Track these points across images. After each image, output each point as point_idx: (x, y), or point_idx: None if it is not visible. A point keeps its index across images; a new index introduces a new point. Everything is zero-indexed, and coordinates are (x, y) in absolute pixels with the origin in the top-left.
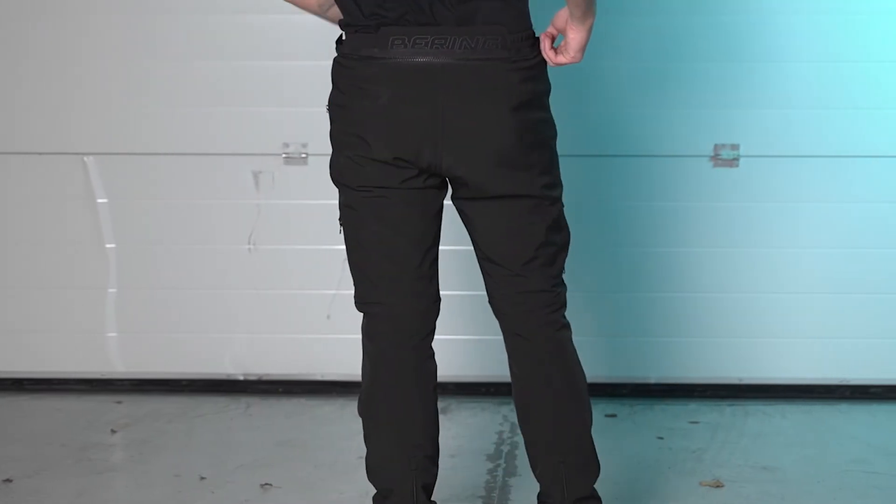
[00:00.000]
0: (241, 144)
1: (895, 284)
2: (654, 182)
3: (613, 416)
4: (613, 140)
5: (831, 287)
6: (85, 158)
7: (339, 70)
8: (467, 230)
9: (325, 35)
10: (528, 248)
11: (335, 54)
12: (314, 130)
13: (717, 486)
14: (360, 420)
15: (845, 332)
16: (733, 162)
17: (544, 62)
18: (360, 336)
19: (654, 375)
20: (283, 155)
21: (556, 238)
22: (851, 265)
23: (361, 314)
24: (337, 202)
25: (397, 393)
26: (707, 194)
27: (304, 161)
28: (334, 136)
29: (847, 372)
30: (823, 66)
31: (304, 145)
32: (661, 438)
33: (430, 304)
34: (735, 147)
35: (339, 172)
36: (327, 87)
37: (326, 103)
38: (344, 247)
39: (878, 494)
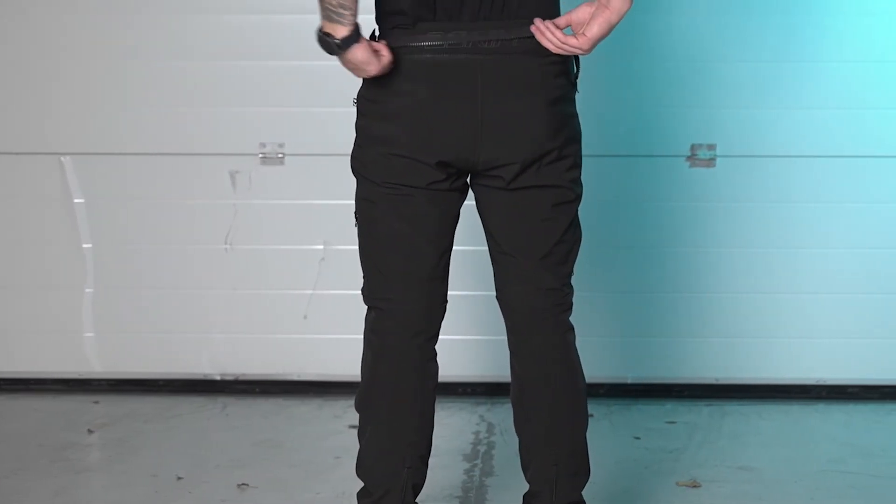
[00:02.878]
0: (217, 144)
1: (872, 284)
2: (631, 182)
3: (591, 416)
4: (589, 140)
5: (808, 287)
6: (62, 158)
7: None
8: (484, 223)
9: (303, 35)
10: (547, 242)
11: (319, 54)
12: (291, 131)
13: (695, 487)
14: (336, 420)
15: (822, 333)
16: (710, 162)
17: (573, 58)
18: (337, 336)
19: (631, 375)
20: (260, 155)
21: (571, 236)
22: (828, 265)
23: (367, 308)
24: (317, 202)
25: (398, 389)
26: (684, 194)
27: (280, 161)
28: (362, 130)
29: (824, 372)
30: (800, 67)
31: (281, 145)
32: (638, 438)
33: (438, 305)
34: (712, 147)
35: (363, 165)
36: (305, 87)
37: (354, 97)
38: (321, 247)
39: (856, 494)
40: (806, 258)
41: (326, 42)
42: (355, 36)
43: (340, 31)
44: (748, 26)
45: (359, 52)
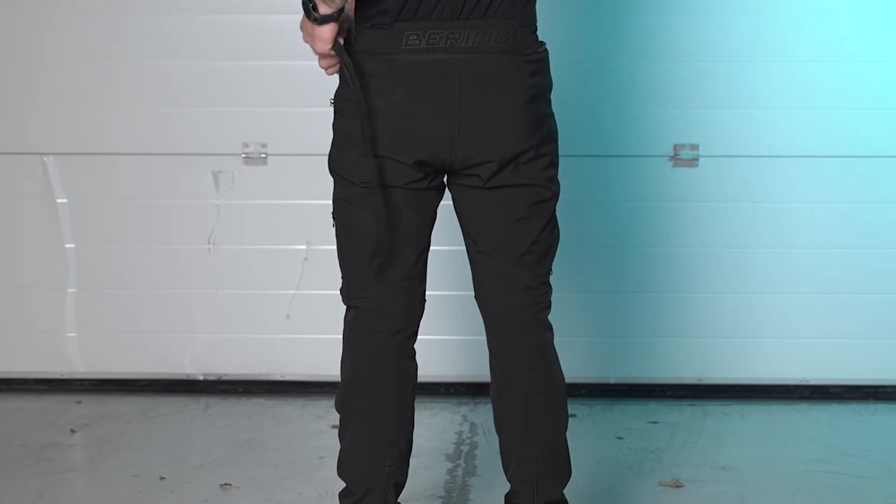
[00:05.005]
0: (200, 144)
1: (854, 284)
2: (613, 182)
3: (573, 416)
4: (571, 140)
5: (790, 287)
6: (45, 158)
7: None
8: (461, 222)
9: (285, 35)
10: (525, 240)
11: (302, 54)
12: (274, 130)
13: (677, 486)
14: (319, 420)
15: (804, 332)
16: (693, 162)
17: (548, 57)
18: (319, 336)
19: (613, 375)
20: (243, 155)
21: (549, 235)
22: (811, 265)
23: (346, 307)
24: (300, 202)
25: (377, 388)
26: (666, 194)
27: (263, 161)
28: (340, 131)
29: (806, 372)
30: (782, 67)
31: (264, 145)
32: (621, 438)
33: (417, 304)
34: (694, 147)
35: (340, 166)
36: (287, 86)
37: (332, 97)
38: (304, 247)
39: (838, 494)
40: (789, 258)
41: (307, 7)
42: (335, 16)
43: (324, 9)
44: (732, 26)
45: (327, 30)
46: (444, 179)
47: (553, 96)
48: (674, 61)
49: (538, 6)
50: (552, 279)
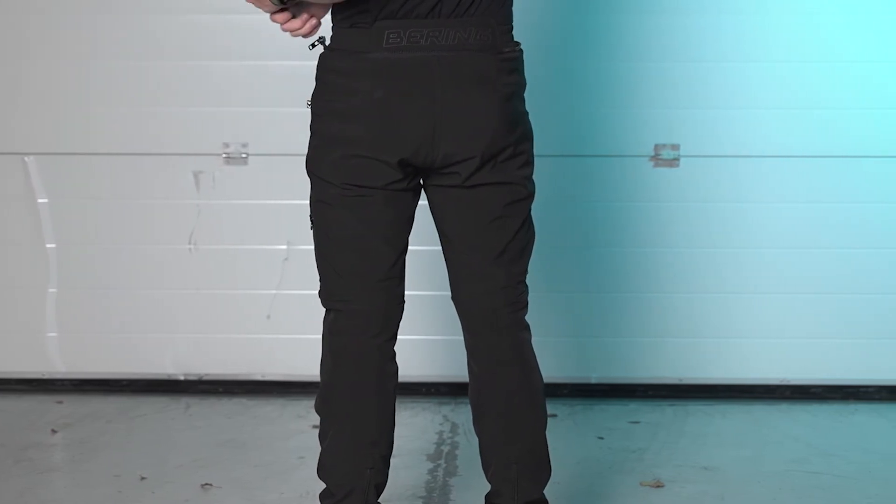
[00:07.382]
0: (181, 144)
1: (836, 284)
2: (594, 182)
3: (554, 415)
4: (553, 140)
5: (772, 287)
6: (25, 158)
7: (329, 65)
8: (438, 224)
9: (266, 35)
10: (502, 240)
11: (284, 55)
12: (254, 130)
13: (658, 487)
14: (300, 420)
15: (786, 333)
16: (673, 162)
17: (522, 56)
18: (300, 336)
19: (594, 375)
20: (224, 155)
21: (525, 235)
22: (792, 265)
23: (325, 310)
24: (281, 202)
25: (358, 390)
26: (647, 194)
27: (244, 161)
28: (319, 132)
29: (787, 372)
30: (763, 67)
31: (245, 145)
32: (602, 438)
33: (396, 305)
34: (675, 147)
35: (319, 167)
36: (268, 86)
37: (308, 99)
38: (284, 247)
39: (819, 494)
40: (770, 258)
41: None
42: (277, 5)
43: None
44: (714, 27)
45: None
46: (420, 182)
47: (535, 96)
48: (655, 61)
49: (518, 6)
50: (531, 279)
